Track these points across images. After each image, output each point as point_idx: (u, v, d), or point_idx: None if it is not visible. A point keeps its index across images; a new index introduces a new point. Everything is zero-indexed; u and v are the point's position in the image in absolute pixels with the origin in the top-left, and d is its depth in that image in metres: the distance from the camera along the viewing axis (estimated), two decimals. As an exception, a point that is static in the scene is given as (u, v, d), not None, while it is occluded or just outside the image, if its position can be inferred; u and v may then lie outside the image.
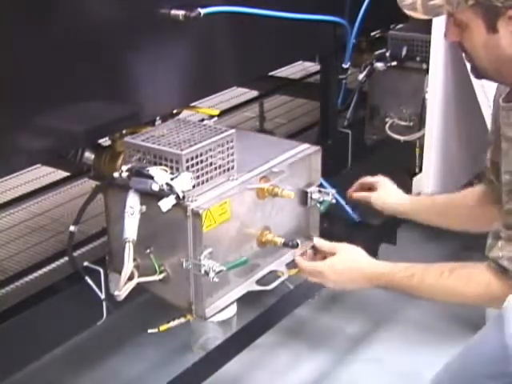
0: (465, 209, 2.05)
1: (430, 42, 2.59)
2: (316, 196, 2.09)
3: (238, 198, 1.89)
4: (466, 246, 2.92)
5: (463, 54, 1.68)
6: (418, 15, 1.65)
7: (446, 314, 2.84)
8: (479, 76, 1.70)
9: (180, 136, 1.90)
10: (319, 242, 1.98)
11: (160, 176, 1.79)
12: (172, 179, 1.79)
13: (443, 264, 1.76)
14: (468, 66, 1.70)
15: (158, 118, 2.07)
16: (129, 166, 1.86)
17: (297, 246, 1.96)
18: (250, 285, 2.01)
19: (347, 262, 1.88)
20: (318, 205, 2.11)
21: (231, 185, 1.92)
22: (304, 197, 2.11)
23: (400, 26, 3.02)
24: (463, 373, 1.89)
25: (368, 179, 2.23)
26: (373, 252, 2.65)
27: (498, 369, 1.78)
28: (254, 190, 1.95)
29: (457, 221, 2.07)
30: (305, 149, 2.13)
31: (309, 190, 2.08)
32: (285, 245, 1.97)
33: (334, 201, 2.11)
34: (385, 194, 2.18)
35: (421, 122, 2.78)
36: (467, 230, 2.07)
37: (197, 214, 1.79)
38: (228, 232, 1.89)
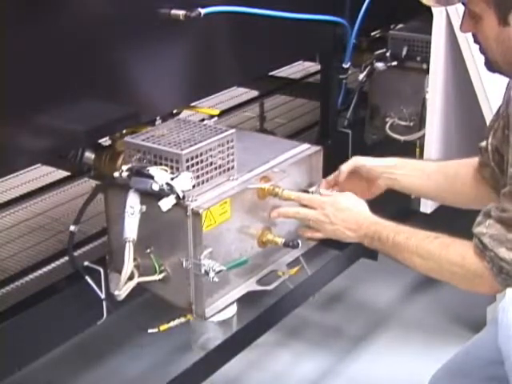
0: (460, 179, 2.00)
1: (430, 42, 2.59)
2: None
3: (238, 198, 1.89)
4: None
5: (478, 47, 1.66)
6: (430, 2, 1.65)
7: (445, 314, 2.84)
8: (492, 69, 1.69)
9: (180, 136, 1.90)
10: (324, 191, 2.02)
11: (160, 176, 1.79)
12: (172, 179, 1.79)
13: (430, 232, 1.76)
14: (482, 59, 1.68)
15: (158, 118, 2.07)
16: (129, 165, 1.86)
17: (297, 246, 1.96)
18: (250, 285, 2.00)
19: (350, 202, 1.89)
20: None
21: (231, 185, 1.92)
22: None
23: (400, 25, 3.02)
24: (461, 374, 1.89)
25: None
26: (373, 252, 2.66)
27: (493, 371, 1.78)
28: (255, 189, 1.95)
29: (450, 189, 2.02)
30: (306, 149, 2.13)
31: (310, 190, 2.08)
32: (285, 245, 1.97)
33: None
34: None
35: (421, 122, 2.78)
36: (455, 200, 2.03)
37: (197, 214, 1.79)
38: (228, 232, 1.89)
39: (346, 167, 2.08)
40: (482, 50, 1.65)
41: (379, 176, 2.05)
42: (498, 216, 1.59)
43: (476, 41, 1.66)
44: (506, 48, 1.58)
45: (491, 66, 1.67)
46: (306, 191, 2.08)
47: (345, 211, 1.87)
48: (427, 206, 2.69)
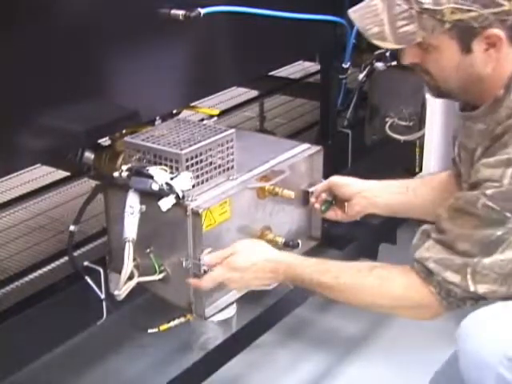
0: (431, 191, 1.96)
1: (430, 41, 2.59)
2: None
3: (238, 198, 1.89)
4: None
5: (421, 74, 1.64)
6: (388, 45, 1.56)
7: (445, 314, 2.84)
8: (440, 95, 1.69)
9: (180, 136, 1.90)
10: (209, 257, 1.81)
11: (160, 175, 1.79)
12: (172, 179, 1.79)
13: (362, 263, 1.72)
14: (425, 85, 1.66)
15: (157, 118, 2.07)
16: (129, 165, 1.86)
17: (297, 245, 1.96)
18: (250, 285, 2.00)
19: (249, 255, 1.75)
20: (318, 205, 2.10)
21: (231, 184, 1.92)
22: (305, 197, 2.11)
23: (400, 25, 3.02)
24: (459, 375, 1.89)
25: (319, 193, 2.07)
26: (373, 252, 2.67)
27: None
28: (255, 189, 1.95)
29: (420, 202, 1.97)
30: (306, 148, 2.13)
31: (310, 189, 2.08)
32: (285, 245, 1.97)
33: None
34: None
35: (421, 122, 2.78)
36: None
37: (197, 214, 1.79)
38: (228, 232, 1.89)
39: (320, 188, 2.05)
40: (429, 79, 1.62)
41: (354, 195, 1.99)
42: (438, 238, 1.58)
43: (418, 69, 1.62)
44: (468, 75, 1.57)
45: (440, 92, 1.65)
46: (307, 191, 2.08)
47: (250, 267, 1.73)
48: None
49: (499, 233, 1.51)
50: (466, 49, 1.54)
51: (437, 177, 2.01)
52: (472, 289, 1.54)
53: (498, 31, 1.51)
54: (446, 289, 1.56)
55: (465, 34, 1.52)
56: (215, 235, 1.85)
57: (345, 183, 2.02)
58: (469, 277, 1.54)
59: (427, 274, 1.58)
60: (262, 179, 1.97)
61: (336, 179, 2.03)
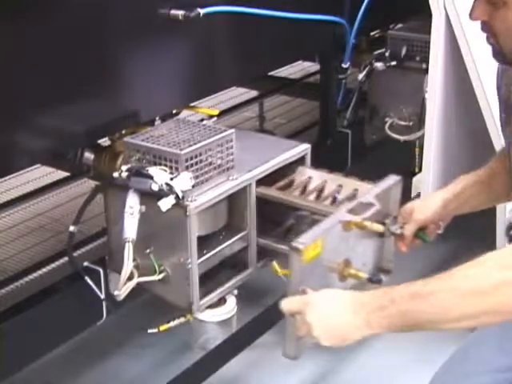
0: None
1: (429, 41, 2.59)
2: (393, 228, 1.87)
3: (330, 233, 1.65)
4: (467, 246, 2.91)
5: (487, 37, 1.55)
6: None
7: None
8: (504, 61, 1.59)
9: (179, 136, 1.90)
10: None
11: (159, 176, 1.79)
12: (171, 179, 1.79)
13: None
14: (491, 49, 1.55)
15: (157, 118, 2.07)
16: (128, 165, 1.86)
17: (381, 281, 1.70)
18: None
19: (334, 291, 1.52)
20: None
21: (231, 184, 1.92)
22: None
23: (399, 25, 3.03)
24: (463, 371, 1.88)
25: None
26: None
27: (496, 364, 1.76)
28: (343, 222, 1.69)
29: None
30: (305, 149, 2.12)
31: (386, 221, 1.85)
32: (369, 280, 1.69)
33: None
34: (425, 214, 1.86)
35: (420, 122, 2.78)
36: None
37: (296, 250, 1.53)
38: (317, 267, 1.61)
39: (409, 232, 1.86)
40: (495, 40, 1.54)
41: (440, 215, 1.85)
42: None
43: (488, 30, 1.54)
44: None
45: (503, 57, 1.56)
46: (383, 223, 1.90)
47: (335, 298, 1.50)
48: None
49: None
50: None
51: (499, 162, 1.85)
52: None
53: None
54: None
55: None
56: (308, 270, 1.56)
57: (427, 215, 1.86)
58: None
59: None
60: (352, 212, 1.74)
61: (419, 217, 1.87)
